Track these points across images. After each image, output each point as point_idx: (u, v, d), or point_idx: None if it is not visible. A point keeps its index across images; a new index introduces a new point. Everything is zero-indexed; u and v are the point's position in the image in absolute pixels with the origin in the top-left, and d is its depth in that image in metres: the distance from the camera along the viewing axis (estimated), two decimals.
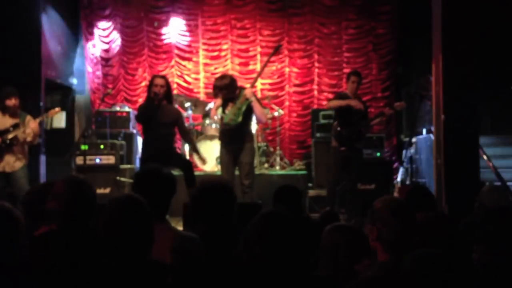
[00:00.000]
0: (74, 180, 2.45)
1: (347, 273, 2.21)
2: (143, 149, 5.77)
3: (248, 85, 6.16)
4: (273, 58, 7.34)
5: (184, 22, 9.14)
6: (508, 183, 6.09)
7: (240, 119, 5.61)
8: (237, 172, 5.99)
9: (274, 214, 1.93)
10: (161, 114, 5.44)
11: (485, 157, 6.13)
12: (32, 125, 5.81)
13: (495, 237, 2.66)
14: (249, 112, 5.75)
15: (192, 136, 5.93)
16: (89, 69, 9.10)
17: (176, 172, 7.05)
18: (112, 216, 2.01)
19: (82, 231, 2.29)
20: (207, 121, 7.88)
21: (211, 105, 8.05)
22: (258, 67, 9.08)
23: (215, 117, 5.99)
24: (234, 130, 5.68)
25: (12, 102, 5.79)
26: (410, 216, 2.19)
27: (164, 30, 9.15)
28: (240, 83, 6.27)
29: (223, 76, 5.94)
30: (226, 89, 5.62)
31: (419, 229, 2.24)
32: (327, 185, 6.54)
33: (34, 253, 2.21)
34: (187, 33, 9.17)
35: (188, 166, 5.72)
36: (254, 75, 8.91)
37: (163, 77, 5.69)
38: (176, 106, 6.54)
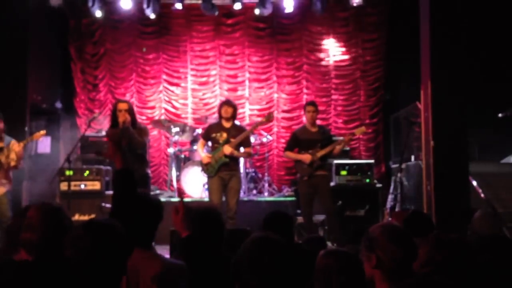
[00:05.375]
0: (48, 208, 2.30)
1: None
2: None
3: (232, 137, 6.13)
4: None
5: (172, 47, 9.15)
6: (498, 211, 6.05)
7: (213, 172, 5.99)
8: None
9: (268, 240, 1.82)
10: None
11: (474, 183, 6.10)
12: (16, 148, 5.69)
13: (491, 266, 2.60)
14: (238, 146, 5.99)
15: None
16: (76, 93, 9.02)
17: (163, 198, 6.95)
18: (78, 243, 1.84)
19: (60, 262, 2.16)
20: (195, 147, 7.81)
21: (199, 131, 8.02)
22: (246, 93, 9.09)
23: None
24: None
25: None
26: (410, 243, 2.12)
27: (152, 56, 9.13)
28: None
29: (230, 104, 6.20)
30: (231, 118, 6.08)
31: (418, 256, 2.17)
32: (303, 218, 6.42)
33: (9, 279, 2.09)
34: (176, 59, 9.16)
35: None
36: (243, 101, 8.97)
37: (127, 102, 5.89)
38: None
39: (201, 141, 6.37)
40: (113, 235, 1.88)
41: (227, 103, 6.20)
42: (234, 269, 1.80)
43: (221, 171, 5.99)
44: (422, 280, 1.62)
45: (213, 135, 6.12)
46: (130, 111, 5.48)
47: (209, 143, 6.32)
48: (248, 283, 1.74)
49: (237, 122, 6.32)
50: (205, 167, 6.08)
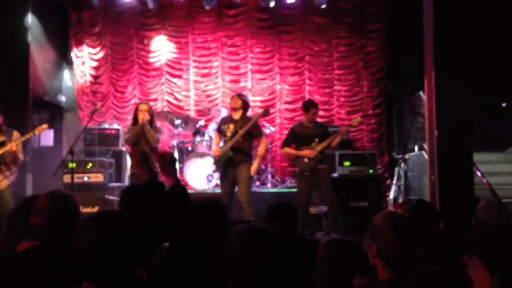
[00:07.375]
0: (57, 194, 2.39)
1: None
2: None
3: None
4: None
5: (174, 39, 9.11)
6: (502, 200, 6.03)
7: (220, 166, 6.20)
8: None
9: (255, 228, 1.77)
10: None
11: (478, 173, 6.08)
12: (14, 141, 5.63)
13: (496, 255, 2.58)
14: (247, 136, 6.07)
15: None
16: (78, 86, 9.00)
17: None
18: (85, 238, 1.86)
19: (67, 246, 2.18)
20: (198, 139, 7.80)
21: (201, 122, 8.04)
22: (249, 84, 9.05)
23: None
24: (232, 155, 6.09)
25: None
26: (412, 232, 2.09)
27: (154, 48, 9.10)
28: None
29: (241, 96, 6.33)
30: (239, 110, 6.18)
31: (422, 244, 2.16)
32: (301, 211, 6.41)
33: (19, 269, 2.11)
34: (178, 51, 9.13)
35: None
36: (245, 93, 8.92)
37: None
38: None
39: (216, 134, 6.52)
40: (121, 227, 1.90)
41: (238, 95, 6.39)
42: (223, 266, 1.73)
43: (227, 165, 6.11)
44: (425, 272, 1.60)
45: (222, 127, 6.27)
46: (149, 111, 6.31)
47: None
48: (242, 277, 1.68)
49: (248, 114, 6.38)
50: (215, 160, 6.31)
